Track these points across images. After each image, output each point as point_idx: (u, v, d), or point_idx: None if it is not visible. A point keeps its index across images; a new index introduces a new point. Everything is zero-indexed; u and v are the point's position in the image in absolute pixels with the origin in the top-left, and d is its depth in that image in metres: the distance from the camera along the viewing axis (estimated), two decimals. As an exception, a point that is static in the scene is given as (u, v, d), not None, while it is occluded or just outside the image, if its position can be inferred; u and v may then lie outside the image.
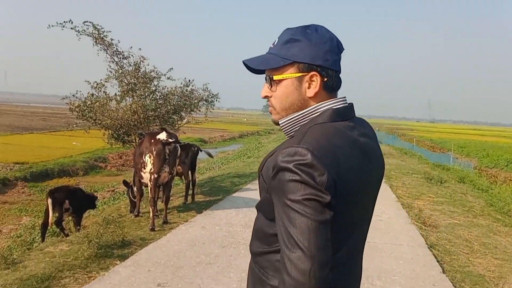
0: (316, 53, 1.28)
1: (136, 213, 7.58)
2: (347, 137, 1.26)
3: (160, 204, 7.60)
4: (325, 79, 1.30)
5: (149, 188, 6.96)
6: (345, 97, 1.36)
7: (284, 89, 1.32)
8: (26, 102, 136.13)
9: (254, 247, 1.42)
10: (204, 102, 10.94)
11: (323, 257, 1.09)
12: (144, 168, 6.96)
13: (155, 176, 6.73)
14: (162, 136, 6.82)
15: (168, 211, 7.20)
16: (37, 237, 7.40)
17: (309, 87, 1.30)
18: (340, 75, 1.35)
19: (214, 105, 11.34)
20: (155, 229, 6.44)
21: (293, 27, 1.35)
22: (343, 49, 1.35)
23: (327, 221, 1.12)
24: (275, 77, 1.32)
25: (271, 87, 1.35)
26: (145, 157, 6.89)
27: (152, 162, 6.72)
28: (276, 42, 1.35)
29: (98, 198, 11.72)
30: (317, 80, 1.29)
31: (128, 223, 7.00)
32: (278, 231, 1.17)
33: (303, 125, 1.30)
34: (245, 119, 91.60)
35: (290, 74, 1.30)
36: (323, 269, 1.08)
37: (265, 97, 1.39)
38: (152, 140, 6.82)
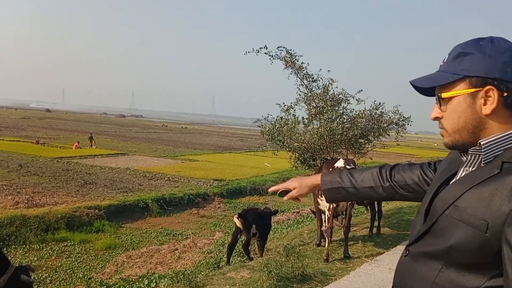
0: (492, 65, 1.13)
1: (317, 242, 7.26)
2: None
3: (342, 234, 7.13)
4: (505, 94, 1.12)
5: (326, 217, 6.65)
6: None
7: (456, 107, 1.19)
8: (228, 124, 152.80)
9: None
10: (394, 125, 10.14)
11: None
12: (322, 196, 6.69)
13: (334, 205, 6.37)
14: (340, 164, 6.48)
15: (349, 243, 6.69)
16: (224, 256, 7.68)
17: (484, 104, 1.14)
18: None
19: (405, 129, 10.43)
20: (329, 260, 6.13)
21: (463, 42, 1.22)
22: None
23: None
24: (443, 95, 1.20)
25: (441, 106, 1.22)
26: None
27: None
28: (446, 59, 1.23)
29: (283, 220, 11.88)
30: (494, 95, 1.13)
31: (309, 252, 6.69)
32: None
33: (508, 150, 1.12)
34: (435, 144, 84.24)
35: (461, 90, 1.17)
36: None
37: (436, 118, 1.25)
38: (330, 169, 6.52)
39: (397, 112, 10.04)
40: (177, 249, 10.00)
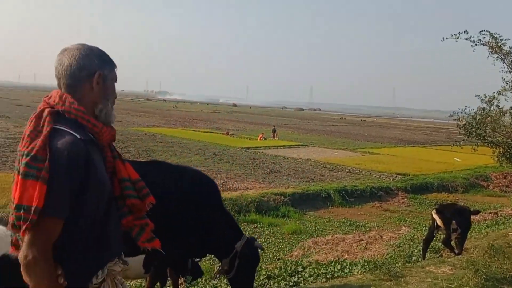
0: None
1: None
2: None
3: None
4: None
5: None
6: None
7: None
8: (410, 117, 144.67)
9: None
10: None
11: None
12: None
13: None
14: None
15: None
16: (415, 251, 7.35)
17: None
18: None
19: None
20: None
21: None
22: None
23: None
24: None
25: None
26: None
27: None
28: None
29: (479, 220, 10.80)
30: None
31: (519, 256, 5.92)
32: None
33: None
34: None
35: None
36: None
37: None
38: None
39: None
40: (362, 239, 9.93)
